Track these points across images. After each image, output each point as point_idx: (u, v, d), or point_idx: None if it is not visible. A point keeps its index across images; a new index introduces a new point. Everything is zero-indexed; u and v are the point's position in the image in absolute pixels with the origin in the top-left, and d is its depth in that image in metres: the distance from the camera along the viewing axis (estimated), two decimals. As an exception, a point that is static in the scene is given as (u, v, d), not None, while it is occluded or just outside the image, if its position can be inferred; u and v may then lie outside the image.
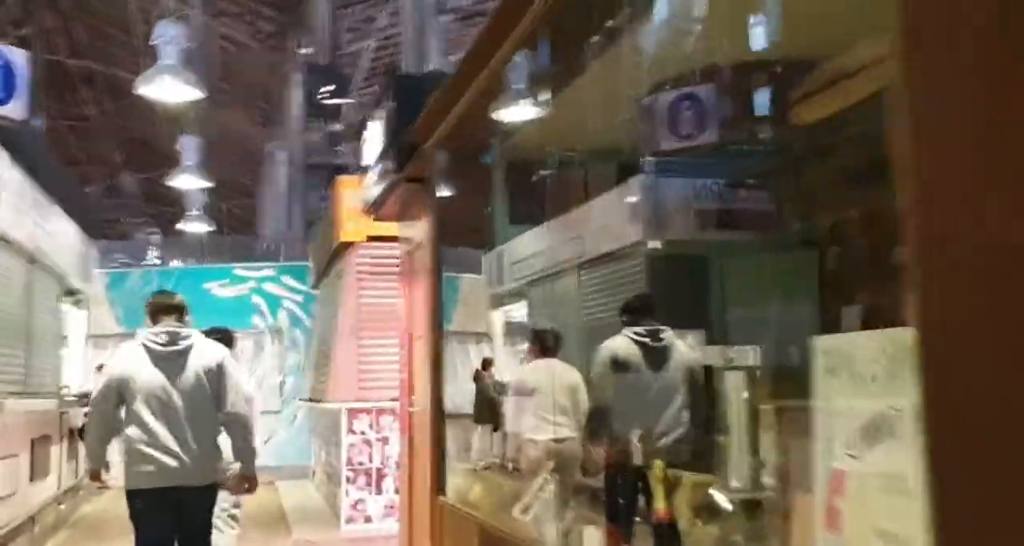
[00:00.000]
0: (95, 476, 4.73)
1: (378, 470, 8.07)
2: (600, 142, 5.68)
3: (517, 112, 5.35)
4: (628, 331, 4.14)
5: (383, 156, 5.54)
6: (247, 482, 4.83)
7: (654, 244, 6.29)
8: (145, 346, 4.46)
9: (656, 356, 4.16)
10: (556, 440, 5.17)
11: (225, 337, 6.07)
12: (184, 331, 4.55)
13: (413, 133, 5.10)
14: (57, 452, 10.14)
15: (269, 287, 14.33)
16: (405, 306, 6.07)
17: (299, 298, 14.26)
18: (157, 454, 4.31)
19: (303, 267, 14.39)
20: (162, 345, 4.44)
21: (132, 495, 4.42)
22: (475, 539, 3.94)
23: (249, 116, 23.37)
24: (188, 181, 12.15)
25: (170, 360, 4.42)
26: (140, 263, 14.68)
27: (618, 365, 4.15)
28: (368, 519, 7.98)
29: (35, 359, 9.00)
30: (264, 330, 14.27)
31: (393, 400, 8.00)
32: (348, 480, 8.01)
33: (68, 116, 23.48)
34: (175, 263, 14.96)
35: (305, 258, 15.48)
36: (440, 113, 4.79)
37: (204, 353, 4.53)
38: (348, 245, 8.42)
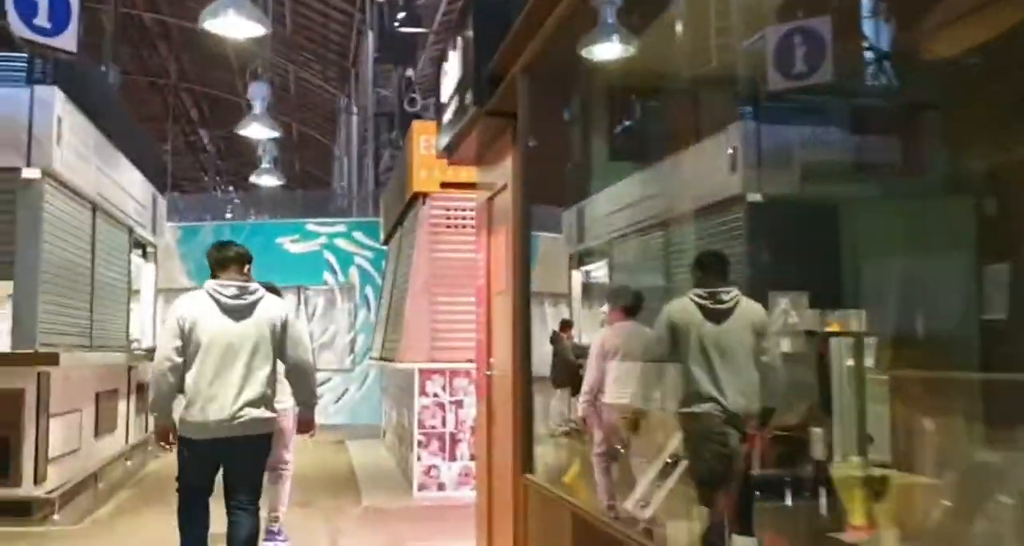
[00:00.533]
0: (163, 433, 4.53)
1: (452, 435, 7.58)
2: (703, 78, 5.00)
3: (608, 46, 4.73)
4: (691, 292, 3.82)
5: (461, 89, 4.92)
6: (307, 426, 4.89)
7: (754, 197, 5.59)
8: (212, 296, 4.50)
9: (718, 318, 3.81)
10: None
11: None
12: (252, 285, 4.61)
13: (496, 62, 4.48)
14: (124, 407, 9.92)
15: (340, 243, 13.94)
16: (483, 259, 5.48)
17: (370, 254, 13.85)
18: (212, 404, 4.36)
19: (375, 223, 13.95)
20: (229, 297, 4.49)
21: (184, 441, 4.46)
22: (568, 525, 3.37)
23: (323, 71, 23.02)
24: (258, 130, 11.77)
25: (237, 312, 4.46)
26: (212, 218, 14.44)
27: (676, 329, 3.85)
28: (441, 486, 7.51)
29: (101, 311, 8.71)
30: (335, 287, 13.92)
31: (468, 361, 7.48)
32: (420, 444, 7.54)
33: (147, 72, 23.45)
34: (249, 219, 14.72)
35: (377, 214, 15.07)
36: (525, 38, 4.15)
37: (270, 307, 4.58)
38: (420, 196, 7.86)
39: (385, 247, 13.62)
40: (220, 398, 4.36)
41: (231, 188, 19.49)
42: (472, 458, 7.56)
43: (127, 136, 10.12)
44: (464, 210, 7.82)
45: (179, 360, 4.40)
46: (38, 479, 6.74)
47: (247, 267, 4.79)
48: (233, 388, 4.37)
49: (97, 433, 8.52)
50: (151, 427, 11.59)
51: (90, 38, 15.13)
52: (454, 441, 7.56)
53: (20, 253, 6.78)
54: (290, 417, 5.55)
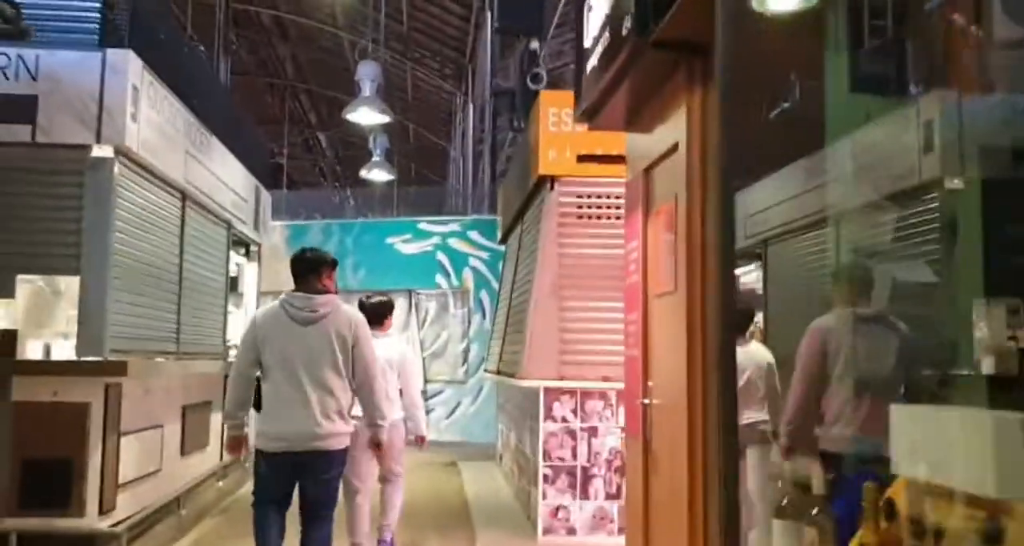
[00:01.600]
0: (234, 443, 4.72)
1: (583, 470, 6.29)
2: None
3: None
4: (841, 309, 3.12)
5: (614, 17, 3.65)
6: (376, 446, 4.80)
7: (954, 184, 4.10)
8: (284, 309, 4.51)
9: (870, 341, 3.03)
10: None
11: (381, 308, 6.18)
12: (322, 298, 4.53)
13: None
14: (218, 420, 9.03)
15: (454, 243, 12.87)
16: (636, 251, 4.19)
17: (486, 255, 12.72)
18: (285, 418, 4.38)
19: (492, 221, 12.82)
20: (299, 309, 4.47)
21: (258, 453, 4.51)
22: None
23: (440, 69, 22.21)
24: (367, 115, 10.80)
25: (306, 325, 4.43)
26: (323, 216, 13.60)
27: (826, 351, 3.16)
28: (571, 531, 6.22)
29: (191, 314, 7.81)
30: (448, 291, 12.85)
31: (604, 380, 6.17)
32: (546, 479, 6.27)
33: (266, 72, 23.14)
34: (359, 217, 13.83)
35: (494, 212, 13.92)
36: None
37: (339, 321, 4.50)
38: (548, 180, 6.61)
39: (502, 247, 12.46)
40: (291, 411, 4.38)
41: (340, 186, 18.67)
42: (609, 497, 6.24)
43: (229, 124, 9.26)
44: (601, 197, 6.54)
45: (252, 372, 4.49)
46: (104, 508, 5.78)
47: (327, 272, 4.74)
48: (304, 402, 4.37)
49: (184, 451, 7.59)
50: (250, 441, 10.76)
51: (202, 33, 14.67)
52: (586, 477, 6.27)
53: (88, 244, 5.85)
54: (400, 429, 5.79)
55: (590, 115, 4.43)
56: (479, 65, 18.92)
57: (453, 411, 12.58)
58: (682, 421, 3.33)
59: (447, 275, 12.81)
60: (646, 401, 3.94)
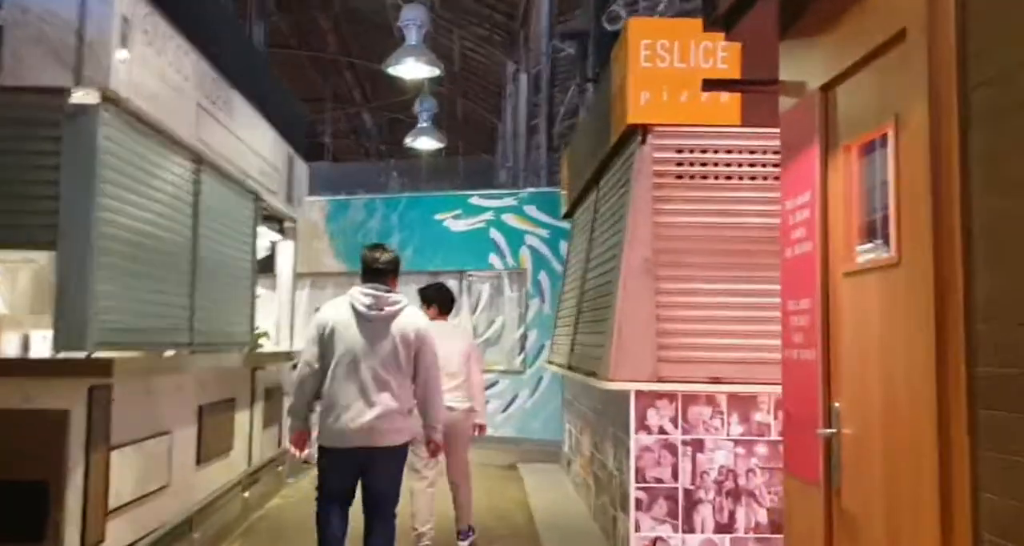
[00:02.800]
0: (297, 439, 4.68)
1: (687, 493, 4.99)
2: None
3: None
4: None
5: None
6: (432, 446, 4.79)
7: None
8: (352, 304, 4.51)
9: None
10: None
11: (441, 297, 6.00)
12: (393, 297, 4.57)
13: None
14: (246, 420, 7.89)
15: (509, 219, 11.59)
16: (806, 210, 2.87)
17: (545, 233, 11.42)
18: (347, 414, 4.40)
19: (552, 194, 11.52)
20: (367, 307, 4.47)
21: (321, 449, 4.53)
22: None
23: (489, 36, 20.88)
24: (412, 68, 9.50)
25: (373, 323, 4.45)
26: (366, 191, 12.42)
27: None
28: (672, 572, 4.95)
29: (209, 299, 6.67)
30: (502, 272, 11.59)
31: (713, 382, 4.87)
32: (639, 505, 4.99)
33: (309, 47, 22.01)
34: (405, 192, 12.61)
35: (551, 185, 12.59)
36: None
37: (407, 321, 4.54)
38: (638, 132, 5.28)
39: (566, 223, 11.16)
40: (354, 407, 4.40)
41: (387, 159, 17.42)
42: (720, 529, 4.95)
43: (256, 81, 8.07)
44: (707, 150, 5.21)
45: (318, 366, 4.51)
46: (88, 539, 4.62)
47: (398, 272, 4.78)
48: (367, 398, 4.40)
49: (200, 460, 6.44)
50: (285, 442, 9.63)
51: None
52: (691, 502, 4.98)
53: (65, 213, 4.67)
54: (469, 418, 5.80)
55: (728, 20, 3.11)
56: (533, 27, 17.58)
57: (509, 404, 11.36)
58: (917, 466, 2.03)
59: (501, 255, 11.56)
60: (829, 431, 2.63)
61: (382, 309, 4.47)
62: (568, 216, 9.01)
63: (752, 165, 5.22)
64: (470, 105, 24.45)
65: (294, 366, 8.63)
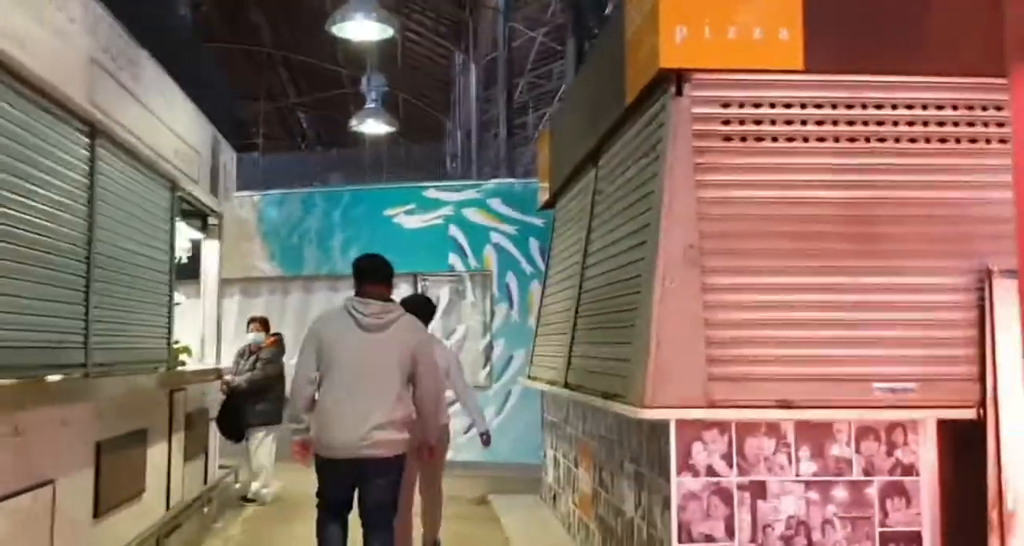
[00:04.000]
0: (299, 447, 4.57)
1: (752, 554, 3.76)
2: None
3: None
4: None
5: None
6: (427, 451, 4.97)
7: None
8: (350, 313, 4.50)
9: None
10: None
11: (417, 308, 5.52)
12: (391, 306, 4.60)
13: None
14: (161, 454, 6.48)
15: (471, 214, 10.29)
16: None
17: (512, 229, 10.15)
18: (344, 424, 4.39)
19: (520, 186, 10.28)
20: (367, 315, 4.48)
21: (318, 458, 4.51)
22: None
23: (435, 27, 19.56)
24: (360, 28, 8.10)
25: (372, 332, 4.47)
26: (304, 184, 10.97)
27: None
28: None
29: (110, 309, 5.27)
30: (464, 274, 10.29)
31: (781, 406, 3.66)
32: (685, 572, 3.74)
33: (240, 41, 20.38)
34: (348, 184, 11.16)
35: (516, 175, 11.36)
36: None
37: (404, 331, 4.57)
38: (671, 81, 4.00)
39: (539, 218, 9.92)
40: (350, 418, 4.39)
41: (323, 146, 15.86)
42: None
43: (174, 44, 6.69)
44: (762, 104, 3.97)
45: (316, 375, 4.49)
46: None
47: (391, 285, 4.74)
48: (363, 408, 4.39)
49: (99, 511, 5.02)
50: (213, 475, 8.20)
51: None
52: (759, 566, 3.75)
53: None
54: (446, 432, 6.01)
55: None
56: (484, 14, 16.35)
57: (472, 425, 10.02)
58: None
59: (463, 254, 10.25)
60: None
61: (382, 319, 4.50)
62: (548, 207, 7.76)
63: (821, 123, 4.00)
64: (414, 105, 23.06)
65: (230, 385, 7.29)
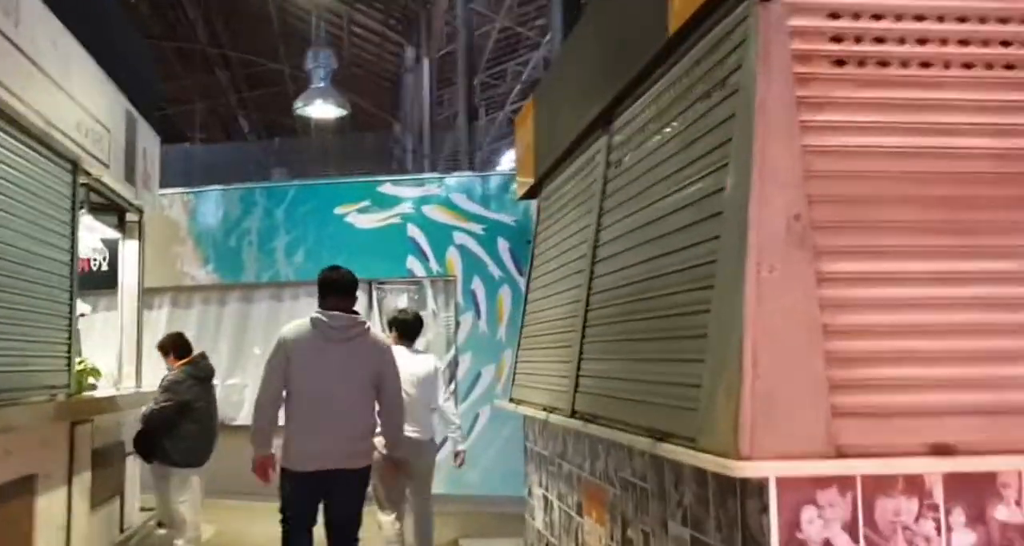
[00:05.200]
0: (262, 466, 4.54)
1: None
2: None
3: None
4: None
5: None
6: (397, 466, 5.23)
7: None
8: (318, 326, 4.57)
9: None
10: None
11: (410, 326, 6.20)
12: (359, 318, 4.72)
13: None
14: (58, 504, 5.15)
15: (433, 212, 9.06)
16: None
17: (479, 228, 8.95)
18: (313, 437, 4.45)
19: (488, 180, 9.11)
20: (336, 328, 4.58)
21: (285, 472, 4.51)
22: None
23: (384, 19, 18.30)
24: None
25: (340, 345, 4.56)
26: (243, 179, 9.62)
27: None
28: None
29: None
30: (424, 279, 9.06)
31: (937, 452, 2.51)
32: None
33: (176, 38, 18.89)
34: (294, 179, 9.83)
35: (478, 169, 10.17)
36: None
37: (371, 343, 4.71)
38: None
39: (510, 215, 8.78)
40: (320, 430, 4.44)
41: (262, 136, 14.42)
42: None
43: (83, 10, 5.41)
44: (894, 18, 2.81)
45: (282, 391, 4.51)
46: None
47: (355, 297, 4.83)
48: (333, 421, 4.46)
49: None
50: (129, 519, 6.85)
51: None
52: None
53: None
54: (432, 449, 6.24)
55: None
56: (437, 5, 15.19)
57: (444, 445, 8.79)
58: None
59: (423, 257, 9.01)
60: None
61: (350, 333, 4.59)
62: (529, 197, 6.59)
63: (966, 42, 2.86)
64: (362, 110, 21.73)
65: (159, 410, 5.91)
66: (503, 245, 8.85)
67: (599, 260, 4.41)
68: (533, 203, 8.42)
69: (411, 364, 5.93)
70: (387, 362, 4.69)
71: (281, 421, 4.68)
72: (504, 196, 8.92)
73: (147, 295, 9.69)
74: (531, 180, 6.25)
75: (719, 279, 2.79)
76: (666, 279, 3.32)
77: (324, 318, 4.57)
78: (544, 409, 4.94)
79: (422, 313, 9.13)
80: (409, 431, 5.45)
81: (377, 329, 8.36)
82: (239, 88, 21.97)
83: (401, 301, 9.16)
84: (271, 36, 18.64)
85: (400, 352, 5.48)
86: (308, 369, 4.47)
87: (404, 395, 5.09)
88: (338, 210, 9.19)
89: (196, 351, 6.66)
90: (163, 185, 7.99)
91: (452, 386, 8.87)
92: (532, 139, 6.19)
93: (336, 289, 4.68)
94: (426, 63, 16.53)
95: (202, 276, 9.48)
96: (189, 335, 9.29)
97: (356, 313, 4.74)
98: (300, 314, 9.29)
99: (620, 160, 4.31)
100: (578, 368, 4.40)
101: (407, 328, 6.15)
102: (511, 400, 6.09)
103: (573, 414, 4.39)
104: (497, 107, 20.84)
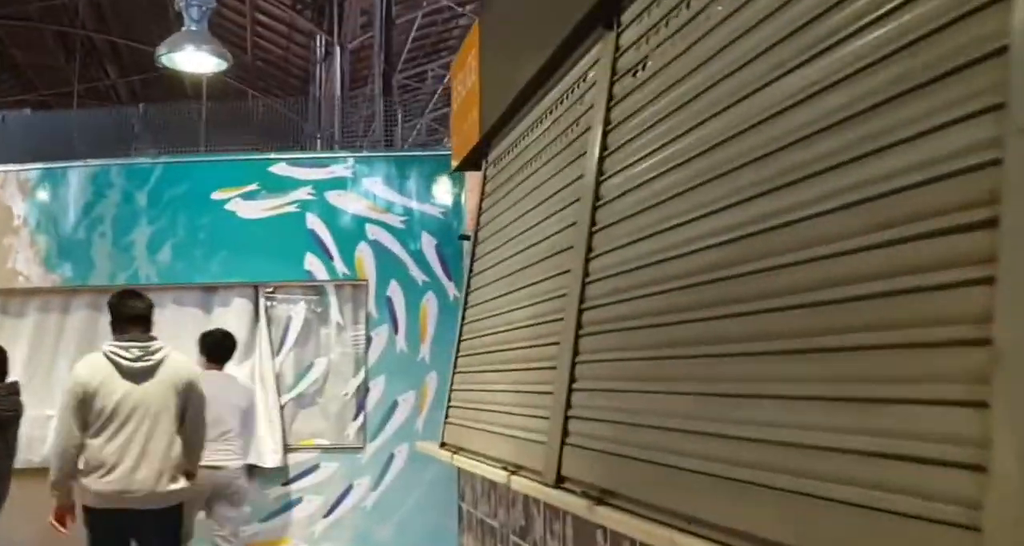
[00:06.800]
0: (64, 512, 4.37)
1: None
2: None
3: None
4: None
5: None
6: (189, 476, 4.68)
7: None
8: (111, 359, 4.34)
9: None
10: None
11: (222, 347, 5.96)
12: (155, 344, 4.47)
13: None
14: None
15: (338, 198, 7.19)
16: None
17: (398, 220, 7.11)
18: (114, 474, 4.24)
19: (410, 160, 7.30)
20: (131, 360, 4.35)
21: (87, 511, 4.33)
22: None
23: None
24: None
25: (139, 375, 4.35)
26: (94, 154, 7.57)
27: None
28: None
29: None
30: (326, 283, 7.16)
31: None
32: None
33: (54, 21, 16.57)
34: (161, 154, 7.74)
35: (395, 146, 8.34)
36: None
37: (174, 370, 4.48)
38: None
39: (438, 203, 7.04)
40: (122, 466, 4.24)
41: (132, 105, 12.17)
42: None
43: None
44: None
45: (80, 433, 4.28)
46: None
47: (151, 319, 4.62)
48: (137, 457, 4.26)
49: None
50: None
51: None
52: None
53: None
54: (243, 476, 5.82)
55: None
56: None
57: (338, 503, 6.87)
58: None
59: (325, 256, 7.10)
60: None
61: (149, 361, 4.38)
62: (469, 166, 4.82)
63: None
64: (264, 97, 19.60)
65: None
66: (428, 241, 7.04)
67: (601, 228, 2.66)
68: (468, 188, 6.64)
69: (229, 393, 5.70)
70: (191, 386, 4.50)
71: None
72: (431, 180, 7.12)
73: (-32, 300, 7.61)
74: (474, 139, 4.47)
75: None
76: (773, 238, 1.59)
77: (117, 349, 4.35)
78: (503, 467, 3.13)
79: (323, 325, 7.29)
80: (227, 459, 5.44)
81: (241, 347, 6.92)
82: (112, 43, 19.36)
83: (297, 312, 7.24)
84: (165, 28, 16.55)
85: (212, 378, 5.29)
86: (106, 405, 4.24)
87: (228, 428, 5.36)
88: (217, 195, 7.22)
89: (12, 377, 5.29)
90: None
91: (359, 421, 6.98)
92: (476, 79, 4.42)
93: (129, 315, 4.45)
94: (336, 52, 14.72)
95: (39, 276, 7.39)
96: (20, 351, 7.33)
97: (154, 338, 4.49)
98: (165, 325, 7.25)
99: (639, 65, 2.58)
100: (567, 405, 2.62)
101: (217, 350, 5.87)
102: (443, 445, 4.26)
103: (560, 482, 2.60)
104: (416, 114, 19.19)
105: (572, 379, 2.61)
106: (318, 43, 16.24)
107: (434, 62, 19.88)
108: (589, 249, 2.64)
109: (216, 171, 7.38)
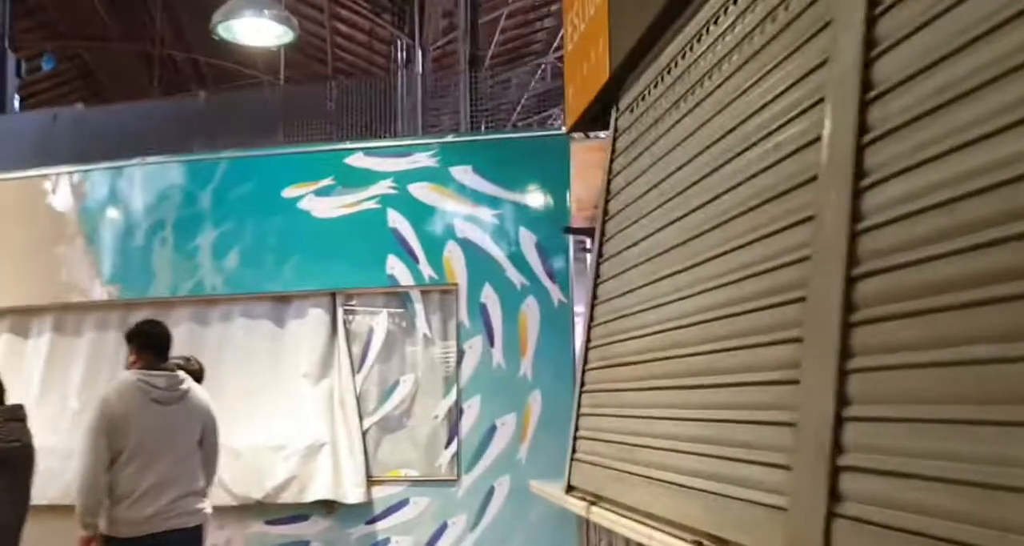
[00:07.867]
0: (91, 541, 4.20)
1: None
2: None
3: None
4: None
5: None
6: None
7: None
8: (140, 387, 4.34)
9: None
10: None
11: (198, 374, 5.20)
12: (181, 375, 4.53)
13: None
14: None
15: (423, 192, 6.22)
16: None
17: (490, 214, 6.10)
18: (143, 501, 4.26)
19: (504, 143, 6.29)
20: (160, 388, 4.39)
21: (112, 542, 4.25)
22: None
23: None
24: None
25: (167, 403, 4.40)
26: (154, 149, 6.76)
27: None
28: None
29: None
30: (411, 289, 6.18)
31: None
32: None
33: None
34: (224, 149, 6.87)
35: (482, 131, 7.28)
36: None
37: (197, 399, 4.56)
38: None
39: (540, 187, 6.04)
40: (153, 492, 4.27)
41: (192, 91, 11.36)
42: None
43: None
44: None
45: (109, 460, 4.24)
46: None
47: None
48: (164, 482, 4.31)
49: None
50: None
51: None
52: None
53: None
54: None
55: None
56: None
57: (432, 543, 5.87)
58: None
59: (410, 258, 6.14)
60: None
61: (177, 391, 4.43)
62: (584, 125, 3.77)
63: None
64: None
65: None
66: (527, 238, 6.01)
67: (884, 133, 1.56)
68: (575, 172, 5.60)
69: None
70: (211, 415, 4.60)
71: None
72: (528, 166, 6.09)
73: (20, 317, 6.87)
74: (602, 79, 3.40)
75: None
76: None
77: (150, 377, 4.35)
78: (695, 542, 2.03)
79: (409, 337, 6.30)
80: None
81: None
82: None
83: (379, 322, 6.28)
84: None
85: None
86: (136, 433, 4.21)
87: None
88: (288, 192, 6.33)
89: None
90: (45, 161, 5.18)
91: (451, 450, 5.96)
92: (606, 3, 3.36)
93: (159, 345, 4.49)
94: (419, 56, 13.95)
95: (95, 289, 6.61)
96: (75, 374, 6.55)
97: (173, 368, 4.53)
98: (232, 340, 6.36)
99: None
100: (835, 440, 1.51)
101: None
102: (569, 489, 3.17)
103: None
104: (501, 122, 18.39)
105: (842, 400, 1.51)
106: (398, 47, 15.50)
107: (518, 68, 19.11)
108: (860, 172, 1.54)
109: (286, 165, 6.49)
